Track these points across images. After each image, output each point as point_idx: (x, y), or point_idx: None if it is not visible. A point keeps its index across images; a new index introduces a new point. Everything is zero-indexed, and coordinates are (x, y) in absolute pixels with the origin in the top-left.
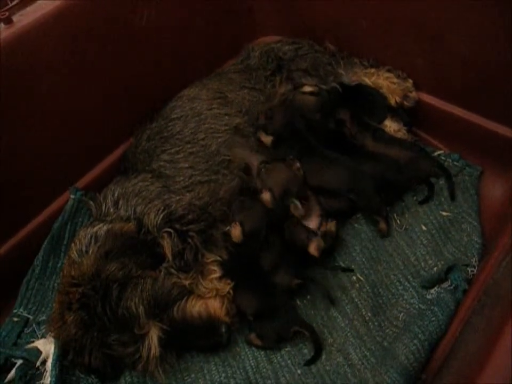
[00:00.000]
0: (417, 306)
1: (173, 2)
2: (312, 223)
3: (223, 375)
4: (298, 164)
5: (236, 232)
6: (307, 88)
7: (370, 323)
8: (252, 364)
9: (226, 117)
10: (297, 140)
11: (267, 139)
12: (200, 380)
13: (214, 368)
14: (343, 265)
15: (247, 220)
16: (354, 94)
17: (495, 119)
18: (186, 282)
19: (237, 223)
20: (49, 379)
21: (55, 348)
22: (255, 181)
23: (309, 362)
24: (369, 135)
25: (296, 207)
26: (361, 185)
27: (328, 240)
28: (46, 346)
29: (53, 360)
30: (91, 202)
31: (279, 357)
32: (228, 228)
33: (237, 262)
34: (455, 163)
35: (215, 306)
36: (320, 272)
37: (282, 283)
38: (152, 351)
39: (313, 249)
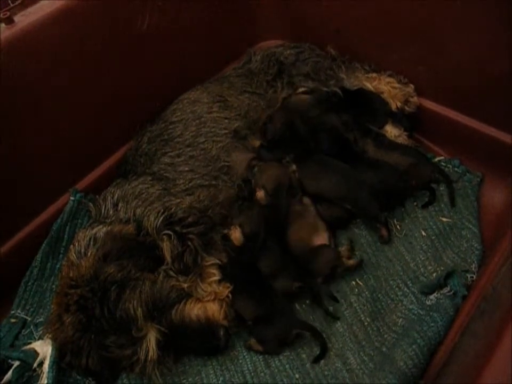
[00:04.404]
0: (416, 312)
1: (174, 6)
2: (321, 239)
3: (221, 378)
4: (294, 166)
5: (236, 234)
6: (300, 89)
7: (369, 328)
8: (250, 368)
9: (226, 121)
10: (296, 143)
11: (255, 142)
12: None
13: (211, 372)
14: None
15: (245, 222)
16: (355, 99)
17: (496, 126)
18: (185, 285)
19: (237, 226)
20: (46, 381)
21: (52, 349)
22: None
23: (317, 359)
24: (371, 140)
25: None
26: (356, 194)
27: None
28: (43, 348)
29: (50, 362)
30: (90, 204)
31: (277, 361)
32: (227, 231)
33: (236, 265)
34: (456, 169)
35: (214, 310)
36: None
37: (283, 287)
38: (150, 354)
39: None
